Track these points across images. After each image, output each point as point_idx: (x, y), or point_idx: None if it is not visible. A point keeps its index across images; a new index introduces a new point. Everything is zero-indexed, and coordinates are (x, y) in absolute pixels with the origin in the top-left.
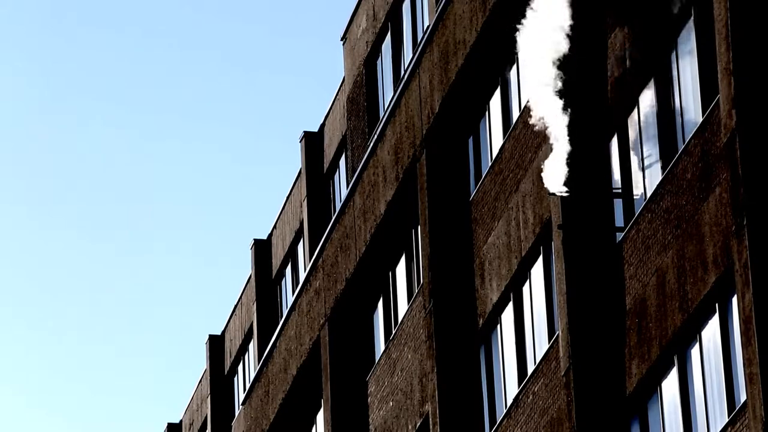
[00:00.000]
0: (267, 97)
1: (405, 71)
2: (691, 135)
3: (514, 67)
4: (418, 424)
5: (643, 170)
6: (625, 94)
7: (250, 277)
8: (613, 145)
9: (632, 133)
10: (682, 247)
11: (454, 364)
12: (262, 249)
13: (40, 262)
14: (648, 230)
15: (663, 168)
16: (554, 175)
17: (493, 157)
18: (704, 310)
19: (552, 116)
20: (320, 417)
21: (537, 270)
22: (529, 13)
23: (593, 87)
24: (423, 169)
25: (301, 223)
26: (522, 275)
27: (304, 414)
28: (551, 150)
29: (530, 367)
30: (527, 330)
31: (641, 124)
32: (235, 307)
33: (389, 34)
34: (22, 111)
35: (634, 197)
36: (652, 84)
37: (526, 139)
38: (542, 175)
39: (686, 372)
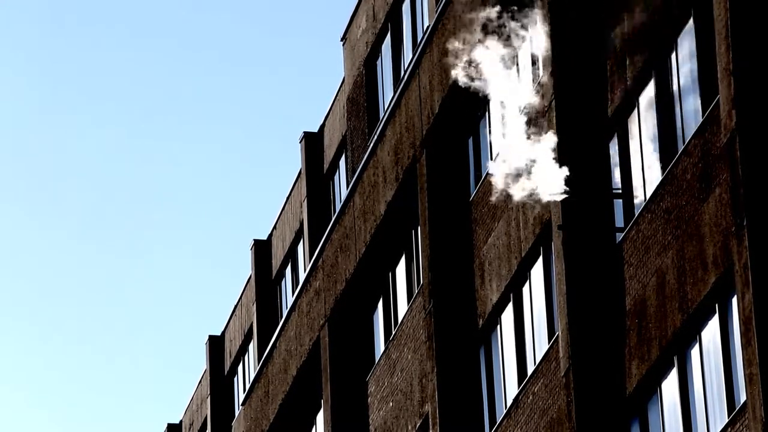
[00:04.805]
0: (267, 97)
1: (405, 71)
2: (691, 135)
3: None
4: (418, 425)
5: (643, 170)
6: (626, 94)
7: (250, 277)
8: (613, 145)
9: (632, 133)
10: (682, 248)
11: (454, 364)
12: (262, 249)
13: (40, 262)
14: (648, 230)
15: (663, 168)
16: (553, 176)
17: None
18: (704, 310)
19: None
20: (320, 417)
21: (537, 270)
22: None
23: (593, 87)
24: (423, 169)
25: (301, 223)
26: (522, 276)
27: (304, 414)
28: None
29: (530, 368)
30: (527, 330)
31: (641, 124)
32: (235, 307)
33: (389, 34)
34: (22, 111)
35: (634, 197)
36: (652, 84)
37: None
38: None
39: (686, 372)
